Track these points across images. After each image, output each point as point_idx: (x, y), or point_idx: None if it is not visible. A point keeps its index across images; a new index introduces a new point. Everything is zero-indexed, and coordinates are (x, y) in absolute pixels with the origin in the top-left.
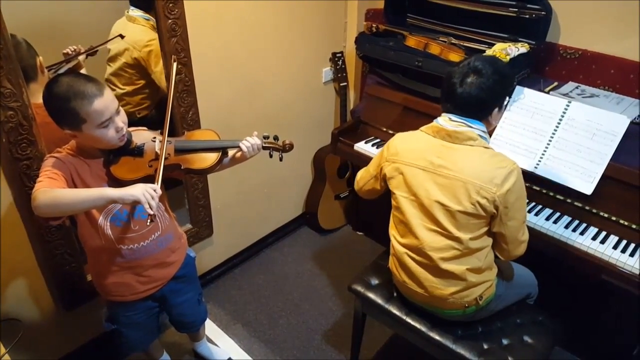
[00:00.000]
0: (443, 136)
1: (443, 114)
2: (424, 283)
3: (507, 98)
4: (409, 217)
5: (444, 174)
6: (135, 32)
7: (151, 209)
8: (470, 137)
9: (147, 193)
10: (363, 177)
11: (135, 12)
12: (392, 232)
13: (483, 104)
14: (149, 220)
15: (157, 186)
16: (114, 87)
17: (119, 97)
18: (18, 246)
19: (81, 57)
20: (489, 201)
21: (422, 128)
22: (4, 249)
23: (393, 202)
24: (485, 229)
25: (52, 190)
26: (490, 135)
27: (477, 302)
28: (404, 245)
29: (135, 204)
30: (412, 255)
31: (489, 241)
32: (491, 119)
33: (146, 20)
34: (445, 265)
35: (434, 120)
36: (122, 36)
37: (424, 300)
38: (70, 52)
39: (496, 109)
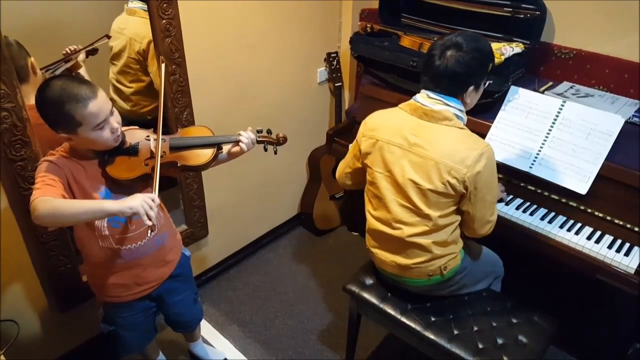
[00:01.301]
0: (420, 114)
1: (422, 91)
2: (391, 251)
3: (485, 80)
4: (383, 192)
5: (418, 152)
6: (136, 25)
7: (150, 220)
8: (446, 117)
9: (145, 204)
10: (343, 161)
11: (134, 4)
12: (368, 207)
13: (458, 78)
14: (149, 232)
15: (155, 195)
16: (122, 86)
17: (128, 98)
18: (13, 248)
19: (80, 57)
20: (459, 181)
21: (400, 105)
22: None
23: (368, 177)
24: (454, 207)
25: (52, 200)
26: (485, 136)
27: (441, 272)
28: (376, 218)
29: (134, 215)
30: (384, 226)
31: (457, 218)
32: (466, 97)
33: (145, 11)
34: (413, 239)
35: (412, 98)
36: (108, 36)
37: (392, 270)
38: (69, 52)
39: (472, 87)
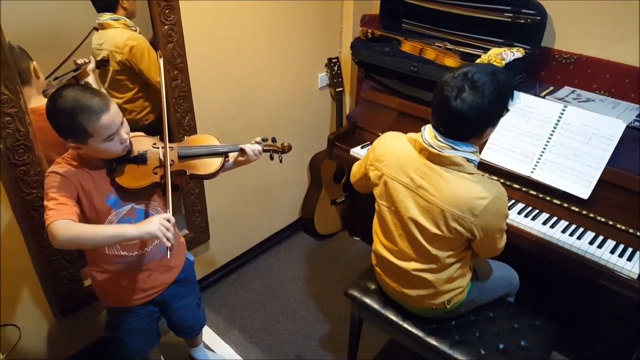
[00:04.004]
0: (426, 156)
1: (430, 128)
2: (396, 279)
3: (505, 112)
4: (390, 226)
5: (424, 195)
6: (112, 37)
7: (169, 241)
8: (455, 163)
9: (162, 227)
10: (357, 172)
11: (104, 17)
12: (376, 229)
13: (475, 125)
14: (168, 254)
15: (170, 214)
16: (114, 99)
17: (121, 108)
18: (15, 252)
19: (90, 66)
20: (466, 229)
21: (409, 137)
22: (1, 255)
23: (376, 207)
24: (464, 246)
25: (70, 226)
26: (486, 141)
27: (445, 305)
28: (384, 245)
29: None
30: (390, 254)
31: (466, 253)
32: (483, 137)
33: (116, 21)
34: (419, 273)
35: (422, 131)
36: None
37: (396, 294)
38: (80, 63)
39: (489, 128)
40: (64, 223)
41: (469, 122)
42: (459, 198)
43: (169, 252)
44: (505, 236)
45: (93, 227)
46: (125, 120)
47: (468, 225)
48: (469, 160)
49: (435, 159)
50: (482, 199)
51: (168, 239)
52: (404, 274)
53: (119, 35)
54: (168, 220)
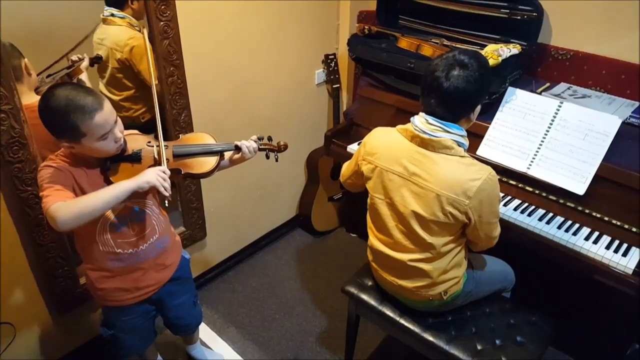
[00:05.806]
0: (418, 142)
1: (421, 114)
2: (392, 272)
3: (489, 89)
4: (384, 219)
5: (418, 182)
6: (115, 34)
7: (166, 191)
8: (446, 146)
9: (159, 177)
10: (347, 170)
11: (109, 12)
12: (370, 224)
13: (470, 98)
14: (166, 203)
15: (165, 167)
16: (112, 95)
17: (119, 105)
18: (10, 249)
19: (84, 64)
20: (461, 212)
21: (398, 128)
22: None
23: (369, 201)
24: (459, 233)
25: (70, 203)
26: (482, 137)
27: (442, 296)
28: (379, 238)
29: (151, 188)
30: (385, 247)
31: (461, 242)
32: (473, 115)
33: (121, 18)
34: (415, 264)
35: (411, 120)
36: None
37: (393, 288)
38: (76, 60)
39: (479, 106)
40: (62, 204)
41: (463, 95)
42: (452, 181)
43: (166, 202)
44: (499, 227)
45: (91, 195)
46: (119, 118)
47: (463, 208)
48: (459, 144)
49: (427, 144)
50: (475, 180)
51: (165, 189)
52: (400, 266)
53: (122, 34)
54: (164, 172)
